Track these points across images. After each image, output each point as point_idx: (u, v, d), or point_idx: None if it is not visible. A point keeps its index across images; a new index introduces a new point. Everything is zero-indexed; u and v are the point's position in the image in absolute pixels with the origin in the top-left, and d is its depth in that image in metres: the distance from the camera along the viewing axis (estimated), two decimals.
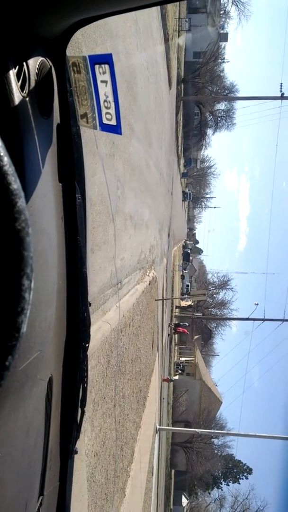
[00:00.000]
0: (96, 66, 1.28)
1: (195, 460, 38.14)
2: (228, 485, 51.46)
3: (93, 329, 5.71)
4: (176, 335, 31.67)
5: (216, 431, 33.53)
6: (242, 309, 57.51)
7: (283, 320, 35.41)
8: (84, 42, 4.99)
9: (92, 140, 5.30)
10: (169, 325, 26.70)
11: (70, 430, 1.57)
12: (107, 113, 1.33)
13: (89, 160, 5.14)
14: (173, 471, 40.13)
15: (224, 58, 48.32)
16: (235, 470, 53.14)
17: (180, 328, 30.10)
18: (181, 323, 32.45)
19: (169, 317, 27.68)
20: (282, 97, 31.86)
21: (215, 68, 43.93)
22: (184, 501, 46.50)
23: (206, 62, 41.01)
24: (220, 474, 50.26)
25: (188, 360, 47.28)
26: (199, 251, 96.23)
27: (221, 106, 50.12)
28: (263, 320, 34.66)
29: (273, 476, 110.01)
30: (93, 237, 5.52)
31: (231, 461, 52.43)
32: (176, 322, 32.63)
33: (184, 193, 52.06)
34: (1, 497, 0.96)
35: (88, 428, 5.30)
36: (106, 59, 1.26)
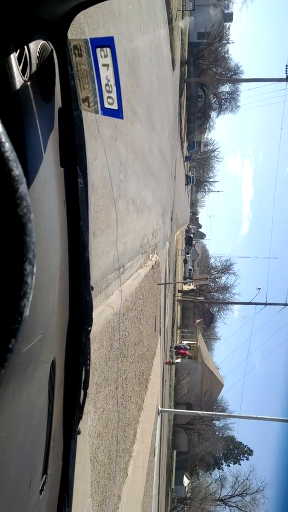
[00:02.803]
0: (98, 49, 1.26)
1: (197, 441, 38.70)
2: (229, 466, 52.34)
3: (96, 313, 5.75)
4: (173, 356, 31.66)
5: (217, 413, 33.96)
6: (244, 293, 57.67)
7: (285, 304, 35.51)
8: (86, 24, 4.91)
9: (94, 124, 5.25)
10: (170, 349, 26.88)
11: (73, 411, 1.60)
12: (108, 97, 1.32)
13: (91, 144, 5.10)
14: (174, 452, 40.81)
15: (228, 39, 47.43)
16: (236, 452, 53.99)
17: (181, 350, 30.21)
18: (182, 346, 32.46)
19: (170, 339, 27.79)
20: (287, 79, 31.36)
21: (220, 49, 43.12)
22: (186, 481, 47.38)
23: (211, 43, 40.24)
24: (221, 455, 51.07)
25: (190, 344, 47.61)
26: (202, 236, 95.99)
27: (225, 88, 49.39)
28: (265, 304, 34.79)
29: (273, 457, 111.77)
30: (95, 221, 5.52)
31: (232, 442, 53.23)
32: (176, 345, 32.60)
33: (187, 177, 51.67)
34: (5, 476, 0.98)
35: (91, 410, 5.39)
36: (107, 42, 1.24)
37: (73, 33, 4.38)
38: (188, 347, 33.78)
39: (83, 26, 4.79)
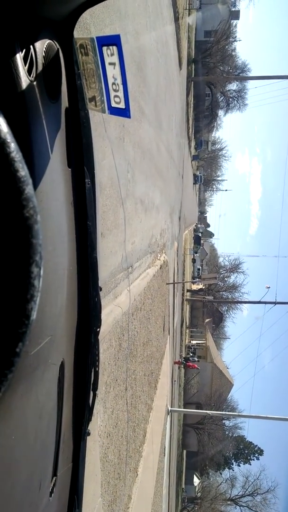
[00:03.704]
0: (104, 48, 1.25)
1: (207, 441, 38.65)
2: (239, 466, 52.16)
3: (104, 313, 5.75)
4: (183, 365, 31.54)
5: (227, 412, 33.83)
6: (253, 292, 57.36)
7: None
8: (92, 23, 4.91)
9: (101, 123, 5.25)
10: (179, 360, 26.80)
11: (83, 412, 1.60)
12: (115, 96, 1.30)
13: (98, 144, 5.10)
14: (184, 451, 40.76)
15: (235, 37, 47.16)
16: (246, 451, 53.78)
17: (190, 364, 30.11)
18: (190, 358, 32.32)
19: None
20: None
21: (227, 47, 42.97)
22: (196, 480, 47.33)
23: (217, 41, 40.11)
24: (231, 455, 50.91)
25: (199, 343, 47.53)
26: (210, 235, 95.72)
27: (233, 86, 49.20)
28: (275, 303, 34.56)
29: (284, 457, 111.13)
30: (103, 221, 5.52)
31: (242, 442, 53.04)
32: (185, 356, 32.47)
33: (195, 176, 51.56)
34: (16, 478, 0.98)
35: (100, 410, 5.39)
36: (114, 41, 1.23)
37: (79, 33, 4.38)
38: (196, 359, 33.64)
39: (90, 26, 4.79)
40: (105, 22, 5.56)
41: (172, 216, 18.89)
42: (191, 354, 42.70)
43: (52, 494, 1.34)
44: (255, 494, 44.50)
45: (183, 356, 31.01)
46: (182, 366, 29.10)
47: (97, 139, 5.02)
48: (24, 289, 0.55)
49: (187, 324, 45.14)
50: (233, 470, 51.21)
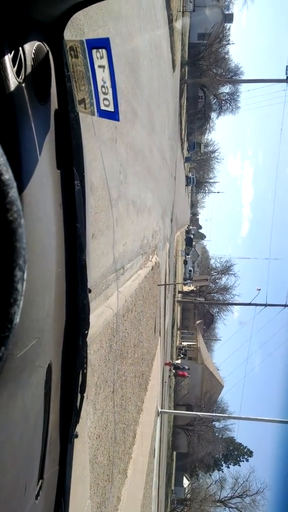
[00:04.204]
0: (94, 51, 1.25)
1: (196, 442, 38.67)
2: (229, 467, 52.26)
3: (95, 314, 5.74)
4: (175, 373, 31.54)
5: (217, 414, 33.94)
6: (244, 294, 57.61)
7: (285, 305, 35.49)
8: (86, 24, 4.90)
9: (93, 124, 5.25)
10: (169, 369, 26.80)
11: (70, 415, 1.59)
12: (104, 99, 1.30)
13: (90, 145, 5.09)
14: (174, 453, 40.78)
15: (229, 40, 47.42)
16: (236, 453, 53.90)
17: (180, 372, 30.11)
18: (181, 366, 32.35)
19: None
20: (287, 79, 31.38)
21: (220, 50, 43.17)
22: (185, 482, 47.33)
23: (211, 43, 40.27)
24: (221, 457, 51.01)
25: (190, 345, 47.61)
26: (202, 237, 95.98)
27: (226, 89, 49.44)
28: (265, 305, 34.76)
29: (273, 459, 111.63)
30: (95, 223, 5.51)
31: (232, 443, 53.15)
32: (175, 364, 32.52)
33: (187, 177, 51.69)
34: (0, 481, 0.97)
35: (90, 411, 5.37)
36: (103, 44, 1.23)
37: (73, 34, 4.37)
38: (187, 368, 33.75)
39: (83, 27, 4.78)
40: (98, 23, 5.56)
41: (164, 218, 18.92)
42: (182, 356, 42.77)
43: (38, 497, 1.34)
44: (244, 495, 44.61)
45: (173, 363, 31.05)
46: (173, 375, 29.12)
47: (89, 140, 5.01)
48: (7, 293, 0.54)
49: (178, 325, 45.19)
50: (222, 472, 51.33)
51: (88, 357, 1.75)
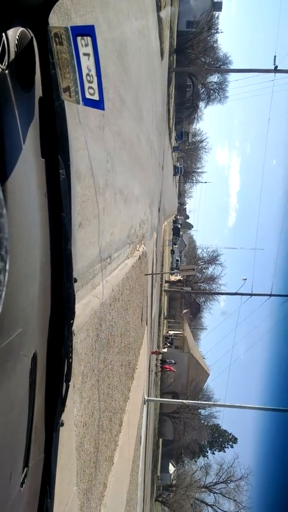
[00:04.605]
0: (79, 38, 1.23)
1: (182, 429, 39.19)
2: (214, 454, 53.20)
3: (82, 303, 5.74)
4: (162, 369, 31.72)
5: (203, 402, 34.37)
6: (230, 284, 58.02)
7: (270, 295, 35.90)
8: (73, 9, 4.82)
9: (81, 112, 5.19)
10: (155, 364, 26.93)
11: (55, 404, 1.60)
12: (89, 87, 1.29)
13: (78, 133, 5.04)
14: (160, 440, 41.28)
15: (217, 28, 47.05)
16: (221, 439, 54.85)
17: (166, 366, 30.27)
18: (167, 360, 32.48)
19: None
20: (275, 70, 31.36)
21: (208, 38, 42.87)
22: (171, 468, 48.03)
23: (199, 32, 39.96)
24: (206, 443, 51.84)
25: (176, 334, 47.96)
26: (190, 226, 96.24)
27: (214, 78, 49.22)
28: (251, 295, 35.11)
29: (257, 445, 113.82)
30: (82, 212, 5.47)
31: (217, 430, 54.05)
32: (162, 360, 32.69)
33: (175, 167, 51.57)
34: None
35: (77, 400, 5.40)
36: (88, 31, 1.21)
37: (59, 19, 4.30)
38: (173, 362, 34.05)
39: (70, 12, 4.70)
40: (86, 8, 5.47)
41: (152, 207, 18.89)
42: (168, 345, 43.07)
43: (24, 485, 1.35)
44: (229, 481, 45.45)
45: (160, 360, 31.29)
46: (159, 369, 29.33)
47: (76, 128, 4.95)
48: None
49: (165, 314, 45.44)
50: (207, 458, 52.22)
51: (74, 346, 1.76)
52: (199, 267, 57.00)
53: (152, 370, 22.63)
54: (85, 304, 5.94)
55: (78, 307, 5.43)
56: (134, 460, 12.63)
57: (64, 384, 1.65)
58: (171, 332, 48.59)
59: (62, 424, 1.75)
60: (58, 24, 4.23)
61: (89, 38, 1.21)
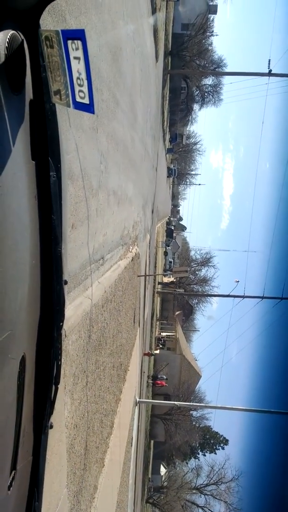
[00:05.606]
0: (69, 42, 1.23)
1: (174, 431, 39.19)
2: (205, 455, 53.23)
3: (74, 305, 5.72)
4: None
5: (194, 403, 34.37)
6: (223, 286, 58.15)
7: (262, 297, 36.03)
8: (68, 11, 4.81)
9: (74, 113, 5.18)
10: (147, 381, 26.96)
11: (44, 406, 1.59)
12: (80, 91, 1.29)
13: (71, 134, 5.03)
14: (152, 441, 41.24)
15: (212, 31, 47.25)
16: (212, 441, 54.92)
17: (158, 382, 30.29)
18: (159, 376, 32.49)
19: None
20: (269, 73, 31.54)
21: (203, 41, 43.01)
22: (163, 470, 48.01)
23: (194, 34, 40.10)
24: (197, 445, 51.86)
25: (169, 335, 47.99)
26: (183, 228, 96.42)
27: (208, 81, 49.40)
28: (243, 297, 35.21)
29: (248, 447, 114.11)
30: (75, 213, 5.46)
31: (209, 432, 54.11)
32: (154, 375, 32.73)
33: (169, 169, 51.66)
34: None
35: (68, 401, 5.38)
36: (79, 35, 1.22)
37: (54, 20, 4.30)
38: (164, 377, 34.09)
39: (65, 13, 4.70)
40: (80, 9, 5.47)
41: (145, 209, 18.90)
42: (161, 346, 43.08)
43: (11, 488, 1.34)
44: (220, 483, 45.53)
45: (151, 375, 31.36)
46: (151, 382, 29.36)
47: (70, 129, 4.95)
48: None
49: (158, 316, 45.45)
50: (199, 460, 52.28)
51: (66, 347, 1.75)
52: (192, 269, 57.11)
53: (144, 372, 22.63)
54: (77, 306, 5.92)
55: (70, 308, 5.42)
56: (125, 462, 12.60)
57: (53, 386, 1.64)
58: (164, 334, 48.61)
59: (51, 427, 1.75)
60: (53, 25, 4.23)
61: (79, 42, 1.22)
